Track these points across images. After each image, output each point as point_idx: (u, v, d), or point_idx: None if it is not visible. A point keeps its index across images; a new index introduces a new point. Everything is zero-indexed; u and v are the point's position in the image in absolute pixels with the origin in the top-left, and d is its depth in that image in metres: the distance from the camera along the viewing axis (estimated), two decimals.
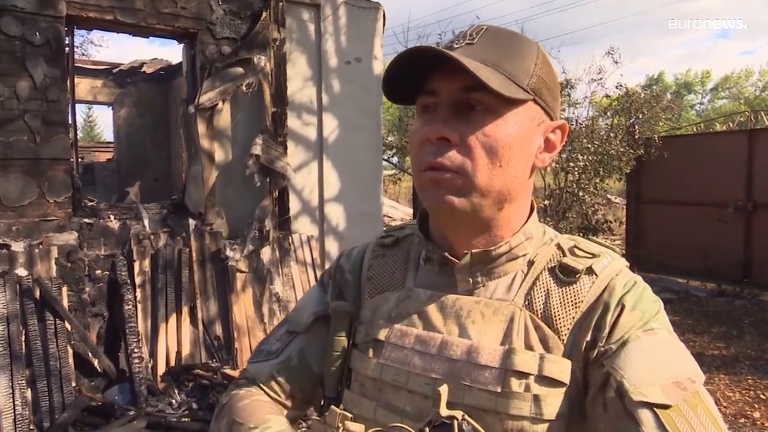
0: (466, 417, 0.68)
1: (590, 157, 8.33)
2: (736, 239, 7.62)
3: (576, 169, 8.37)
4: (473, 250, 0.76)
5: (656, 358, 0.67)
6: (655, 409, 0.63)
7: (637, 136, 8.46)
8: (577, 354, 0.70)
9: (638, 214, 8.95)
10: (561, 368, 0.69)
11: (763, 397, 4.29)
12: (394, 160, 11.20)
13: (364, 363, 0.79)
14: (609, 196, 10.26)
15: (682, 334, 5.81)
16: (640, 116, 8.66)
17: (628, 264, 0.78)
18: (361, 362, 0.80)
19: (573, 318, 0.71)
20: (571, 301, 0.72)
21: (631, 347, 0.67)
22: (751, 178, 7.53)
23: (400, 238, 0.89)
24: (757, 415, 4.03)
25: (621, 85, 8.85)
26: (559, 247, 0.78)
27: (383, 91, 0.77)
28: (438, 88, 0.72)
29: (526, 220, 0.79)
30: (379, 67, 5.57)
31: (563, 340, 0.70)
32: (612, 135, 8.52)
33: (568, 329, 0.71)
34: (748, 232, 7.58)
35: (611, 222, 9.34)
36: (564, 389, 0.69)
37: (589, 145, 8.36)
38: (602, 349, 0.69)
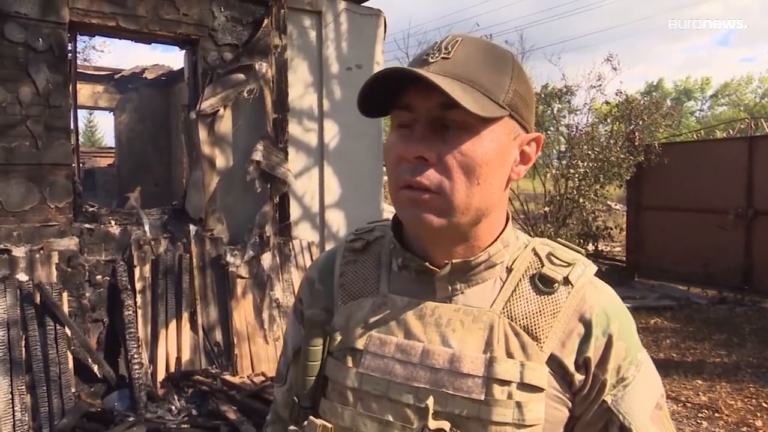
0: (454, 429, 0.70)
1: (590, 164, 8.35)
2: (736, 246, 7.62)
3: (576, 175, 8.39)
4: (453, 260, 0.76)
5: (646, 392, 0.77)
6: None
7: (637, 143, 8.48)
8: (558, 367, 0.74)
9: (638, 221, 8.95)
10: (540, 375, 0.72)
11: (766, 405, 4.28)
12: None
13: (343, 372, 0.78)
14: (609, 202, 10.27)
15: (682, 341, 5.80)
16: (640, 123, 8.68)
17: (596, 269, 0.81)
18: (338, 371, 0.79)
19: (551, 326, 0.74)
20: (550, 311, 0.75)
21: (632, 391, 0.75)
22: (751, 185, 7.53)
23: (370, 242, 0.88)
24: (759, 423, 4.02)
25: (620, 92, 8.88)
26: (535, 253, 0.80)
27: (358, 108, 0.76)
28: (414, 104, 0.72)
29: (503, 229, 0.80)
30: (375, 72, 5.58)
31: (541, 347, 0.73)
32: (612, 141, 8.54)
33: (546, 337, 0.73)
34: (748, 239, 7.58)
35: (611, 228, 9.36)
36: (543, 394, 0.72)
37: (590, 152, 8.38)
38: (600, 378, 0.75)
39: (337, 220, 5.38)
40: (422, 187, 0.71)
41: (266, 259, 4.69)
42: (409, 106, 0.73)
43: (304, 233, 5.16)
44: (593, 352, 0.74)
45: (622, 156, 8.29)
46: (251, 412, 3.74)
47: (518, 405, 0.70)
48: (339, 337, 0.81)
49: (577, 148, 8.58)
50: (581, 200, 8.50)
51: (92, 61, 14.16)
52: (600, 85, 8.87)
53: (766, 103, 36.28)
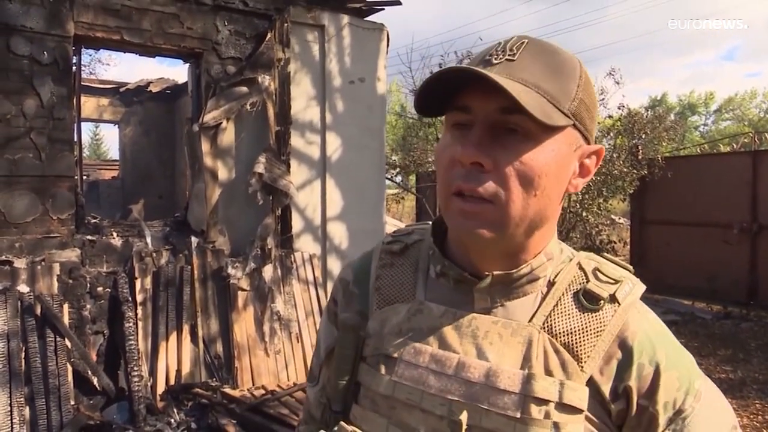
0: None
1: (594, 178, 8.34)
2: (741, 261, 7.57)
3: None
4: (495, 272, 0.73)
5: (714, 426, 0.71)
6: None
7: (640, 157, 8.47)
8: (596, 393, 0.70)
9: (642, 235, 8.91)
10: (580, 396, 0.68)
11: None
12: (398, 179, 11.23)
13: (376, 379, 0.76)
14: (613, 216, 10.23)
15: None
16: (643, 137, 8.68)
17: (644, 289, 0.77)
18: (371, 378, 0.77)
19: (594, 346, 0.70)
20: (594, 330, 0.70)
21: (692, 423, 0.70)
22: (755, 200, 7.50)
23: (408, 245, 0.85)
24: None
25: (623, 106, 8.90)
26: (580, 267, 0.76)
27: (415, 105, 0.73)
28: (472, 106, 0.69)
29: (549, 241, 0.77)
30: (383, 87, 5.61)
31: (582, 367, 0.69)
32: (615, 155, 8.53)
33: (588, 356, 0.70)
34: (753, 254, 7.53)
35: (615, 243, 9.31)
36: (582, 416, 0.68)
37: None
38: (650, 410, 0.69)
39: (339, 233, 5.37)
40: (476, 196, 0.68)
41: (268, 272, 4.68)
42: (468, 108, 0.69)
43: (305, 246, 5.16)
44: (635, 382, 0.69)
45: (625, 170, 8.27)
46: (251, 425, 3.71)
47: (555, 426, 0.67)
48: (373, 343, 0.79)
49: None
50: (584, 214, 8.48)
51: (98, 75, 14.30)
52: (603, 99, 8.89)
53: None
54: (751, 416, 4.34)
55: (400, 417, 0.74)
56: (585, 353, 0.70)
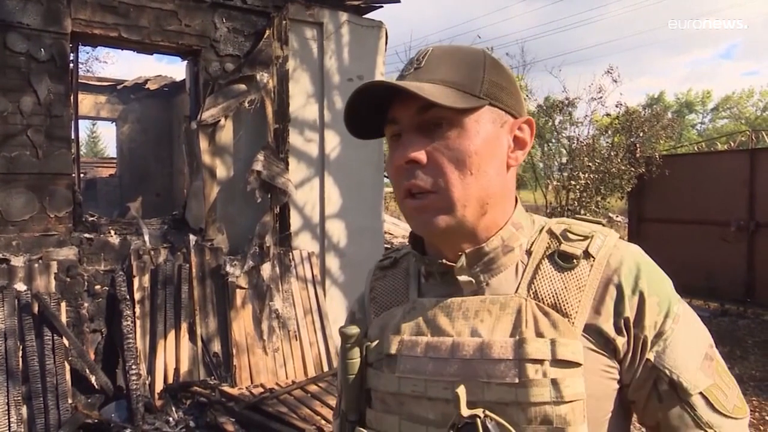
0: (488, 413, 0.69)
1: (591, 176, 8.36)
2: (738, 258, 7.58)
3: (577, 187, 8.39)
4: (467, 250, 0.77)
5: (690, 344, 0.76)
6: (703, 392, 0.74)
7: (638, 155, 8.49)
8: (599, 336, 0.73)
9: (640, 233, 8.92)
10: (573, 350, 0.70)
11: None
12: None
13: (382, 380, 0.79)
14: (610, 214, 10.25)
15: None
16: (641, 134, 8.69)
17: (618, 236, 0.80)
18: (378, 380, 0.80)
19: (579, 301, 0.73)
20: (575, 286, 0.74)
21: (672, 343, 0.74)
22: (753, 198, 7.51)
23: (398, 258, 0.91)
24: None
25: (621, 104, 8.91)
26: (551, 233, 0.80)
27: (348, 129, 0.80)
28: (398, 116, 0.76)
29: (512, 213, 0.81)
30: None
31: (573, 323, 0.72)
32: (613, 153, 8.55)
33: (576, 311, 0.73)
34: (750, 252, 7.55)
35: None
36: (580, 369, 0.70)
37: (590, 164, 8.39)
38: (640, 336, 0.73)
39: (337, 231, 5.37)
40: (420, 190, 0.73)
41: (266, 270, 4.68)
42: (395, 119, 0.77)
43: (304, 243, 5.15)
44: (629, 312, 0.73)
45: (623, 168, 8.29)
46: (250, 423, 3.70)
47: (554, 382, 0.69)
48: (375, 348, 0.82)
49: (578, 160, 8.59)
50: (582, 212, 8.49)
51: (95, 73, 14.25)
52: (600, 97, 8.90)
53: (767, 116, 36.36)
54: (749, 413, 4.35)
55: (410, 410, 0.77)
56: (572, 309, 0.73)
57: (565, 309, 0.73)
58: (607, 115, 9.21)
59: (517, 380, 0.69)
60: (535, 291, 0.75)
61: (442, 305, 0.78)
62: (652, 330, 0.74)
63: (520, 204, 0.83)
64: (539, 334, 0.71)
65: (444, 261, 0.78)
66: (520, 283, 0.76)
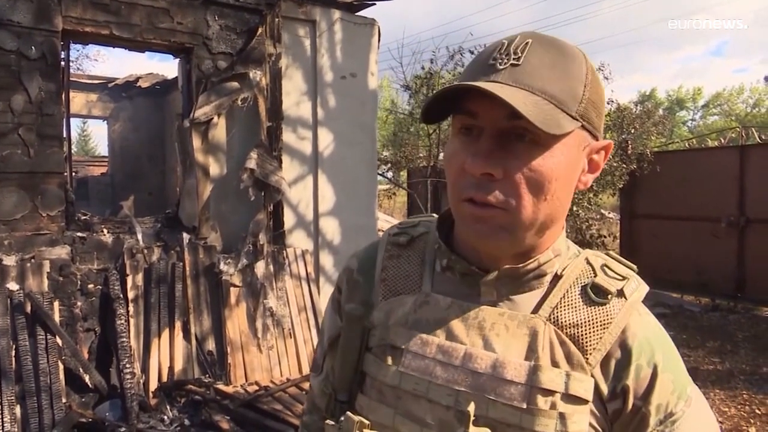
0: None
1: None
2: (729, 254, 7.66)
3: None
4: (503, 267, 0.74)
5: (700, 430, 0.73)
6: None
7: (629, 152, 8.54)
8: (595, 389, 0.71)
9: (632, 229, 8.99)
10: (586, 387, 0.69)
11: (759, 412, 4.28)
12: (389, 174, 11.23)
13: (382, 370, 0.77)
14: (603, 210, 10.31)
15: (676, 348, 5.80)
16: (632, 131, 8.74)
17: (648, 290, 0.77)
18: (378, 368, 0.78)
19: (600, 339, 0.71)
20: (600, 322, 0.71)
21: (681, 427, 0.71)
22: (743, 194, 7.58)
23: (414, 237, 0.85)
24: (752, 430, 4.02)
25: (612, 101, 8.96)
26: (588, 262, 0.77)
27: (421, 117, 0.74)
28: (479, 111, 0.69)
29: (557, 238, 0.78)
30: (374, 82, 5.61)
31: (588, 359, 0.70)
32: None
33: (594, 348, 0.70)
34: (741, 247, 7.62)
35: (605, 237, 9.38)
36: (588, 406, 0.69)
37: None
38: (642, 410, 0.71)
39: (331, 228, 5.37)
40: (488, 205, 0.69)
41: (260, 268, 4.67)
42: (475, 113, 0.69)
43: (298, 241, 5.15)
44: (633, 382, 0.71)
45: (614, 164, 8.33)
46: (245, 421, 3.71)
47: (561, 416, 0.68)
48: (378, 334, 0.79)
49: None
50: (575, 208, 8.53)
51: (86, 71, 14.14)
52: None
53: (757, 112, 36.64)
54: (739, 406, 4.41)
55: (407, 407, 0.75)
56: (591, 345, 0.70)
57: (583, 343, 0.70)
58: None
59: (524, 406, 0.68)
60: (557, 317, 0.72)
61: (459, 308, 0.75)
62: (660, 409, 0.71)
63: (564, 228, 0.80)
64: (555, 363, 0.70)
65: (474, 268, 0.75)
66: (543, 305, 0.74)
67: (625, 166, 8.41)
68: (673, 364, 0.73)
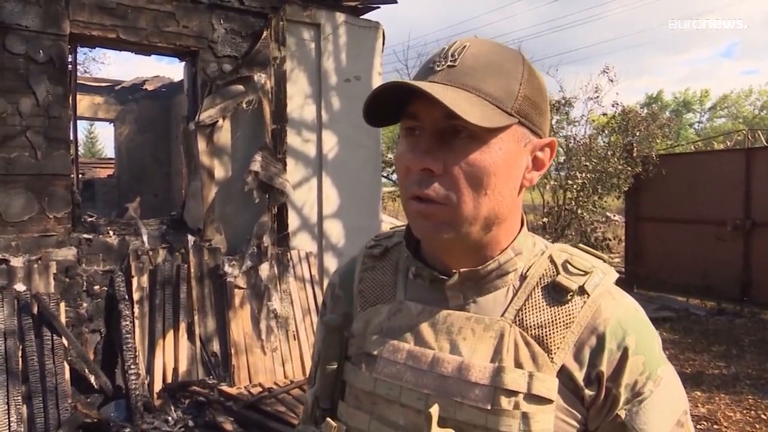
0: None
1: (588, 175, 8.38)
2: (735, 257, 7.62)
3: (574, 186, 8.41)
4: (461, 269, 0.76)
5: (666, 408, 0.74)
6: None
7: (635, 154, 8.52)
8: (568, 381, 0.72)
9: (637, 232, 8.95)
10: (549, 386, 0.70)
11: (765, 417, 4.26)
12: (394, 176, 11.24)
13: (358, 377, 0.80)
14: (608, 213, 10.28)
15: (681, 352, 5.78)
16: (638, 134, 8.72)
17: (617, 276, 0.78)
18: (354, 376, 0.81)
19: (563, 338, 0.72)
20: (563, 322, 0.73)
21: (649, 406, 0.72)
22: (749, 197, 7.55)
23: (389, 248, 0.88)
24: None
25: (617, 104, 8.94)
26: (551, 260, 0.78)
27: (364, 119, 0.76)
28: (420, 114, 0.72)
29: (516, 236, 0.79)
30: (379, 84, 5.62)
31: (552, 358, 0.72)
32: (610, 153, 8.57)
33: (558, 348, 0.72)
34: (746, 251, 7.58)
35: (610, 240, 9.36)
36: (552, 406, 0.70)
37: (588, 163, 8.41)
38: (613, 392, 0.72)
39: (335, 231, 5.39)
40: (429, 199, 0.71)
41: (264, 270, 4.69)
42: (416, 115, 0.72)
43: (302, 243, 5.17)
44: (606, 366, 0.72)
45: (620, 167, 8.32)
46: (248, 423, 3.73)
47: (524, 416, 0.69)
48: (356, 343, 0.82)
49: (575, 159, 8.61)
50: (579, 211, 8.52)
51: (92, 73, 14.24)
52: (597, 96, 8.93)
53: (765, 115, 36.44)
54: (744, 411, 4.38)
55: (381, 412, 0.77)
56: (555, 345, 0.72)
57: (547, 343, 0.72)
58: (604, 114, 9.24)
59: (489, 407, 0.70)
60: (522, 319, 0.74)
61: (428, 314, 0.78)
62: (629, 389, 0.72)
63: (526, 226, 0.81)
64: (518, 365, 0.71)
65: (436, 273, 0.77)
66: (508, 308, 0.75)
67: (630, 168, 8.39)
68: (646, 345, 0.74)
